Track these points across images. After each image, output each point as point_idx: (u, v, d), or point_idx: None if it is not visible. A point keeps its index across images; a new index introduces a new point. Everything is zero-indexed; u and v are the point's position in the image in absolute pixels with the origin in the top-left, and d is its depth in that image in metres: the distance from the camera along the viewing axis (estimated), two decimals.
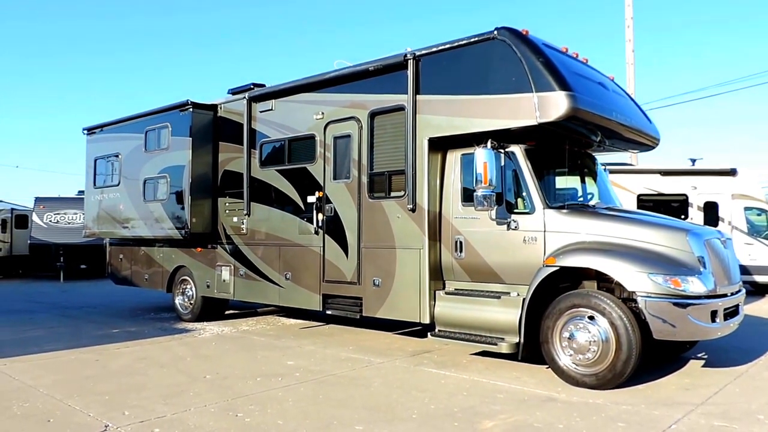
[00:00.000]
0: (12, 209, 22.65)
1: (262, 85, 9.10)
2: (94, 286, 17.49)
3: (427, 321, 6.69)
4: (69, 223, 19.91)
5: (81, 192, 16.95)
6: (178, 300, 10.26)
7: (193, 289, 9.93)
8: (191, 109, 9.46)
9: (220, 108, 9.63)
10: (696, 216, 13.84)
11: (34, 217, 20.12)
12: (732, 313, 5.79)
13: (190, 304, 10.01)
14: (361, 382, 5.74)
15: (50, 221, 19.99)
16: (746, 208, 13.98)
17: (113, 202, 11.09)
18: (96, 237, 12.25)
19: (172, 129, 9.78)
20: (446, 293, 6.68)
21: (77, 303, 13.02)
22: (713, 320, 5.41)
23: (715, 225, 12.95)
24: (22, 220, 21.83)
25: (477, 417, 4.64)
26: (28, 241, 20.08)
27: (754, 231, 13.97)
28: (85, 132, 11.96)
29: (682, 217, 13.60)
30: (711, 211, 13.68)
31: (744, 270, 13.29)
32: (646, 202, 13.95)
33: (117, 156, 11.02)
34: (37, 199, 20.43)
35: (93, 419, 4.64)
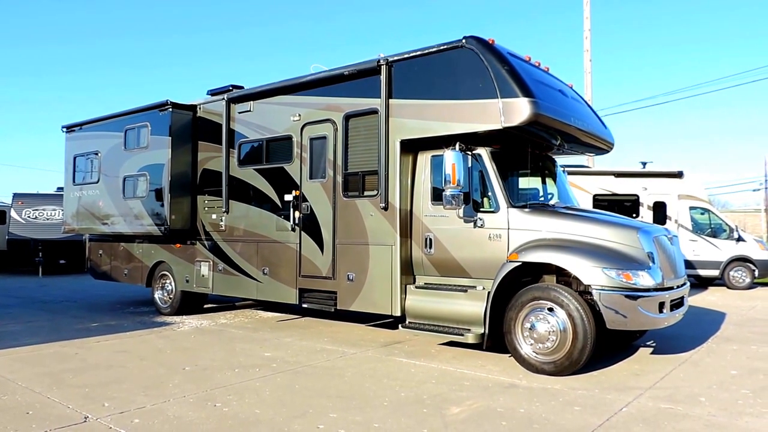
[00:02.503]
0: None
1: (241, 87, 8.97)
2: (73, 280, 16.96)
3: (398, 313, 6.72)
4: (48, 219, 19.24)
5: (60, 189, 16.43)
6: (157, 294, 10.06)
7: (173, 283, 9.75)
8: (170, 109, 9.26)
9: (200, 108, 9.46)
10: (646, 215, 14.25)
11: (13, 213, 19.36)
12: (678, 304, 5.99)
13: (170, 298, 9.83)
14: (336, 372, 5.74)
15: (29, 217, 19.28)
16: (691, 208, 14.48)
17: (93, 199, 10.79)
18: (75, 233, 11.88)
19: (152, 128, 9.56)
20: (416, 287, 6.72)
21: (56, 297, 12.62)
22: (661, 311, 5.59)
23: (663, 223, 13.35)
24: None
25: (445, 403, 4.70)
26: (6, 237, 19.34)
27: (697, 229, 14.49)
28: (64, 130, 11.58)
29: (634, 215, 13.99)
30: (660, 210, 14.11)
31: (689, 264, 13.79)
32: (601, 201, 14.29)
33: (96, 154, 10.72)
34: (16, 195, 19.68)
35: (72, 411, 4.52)
